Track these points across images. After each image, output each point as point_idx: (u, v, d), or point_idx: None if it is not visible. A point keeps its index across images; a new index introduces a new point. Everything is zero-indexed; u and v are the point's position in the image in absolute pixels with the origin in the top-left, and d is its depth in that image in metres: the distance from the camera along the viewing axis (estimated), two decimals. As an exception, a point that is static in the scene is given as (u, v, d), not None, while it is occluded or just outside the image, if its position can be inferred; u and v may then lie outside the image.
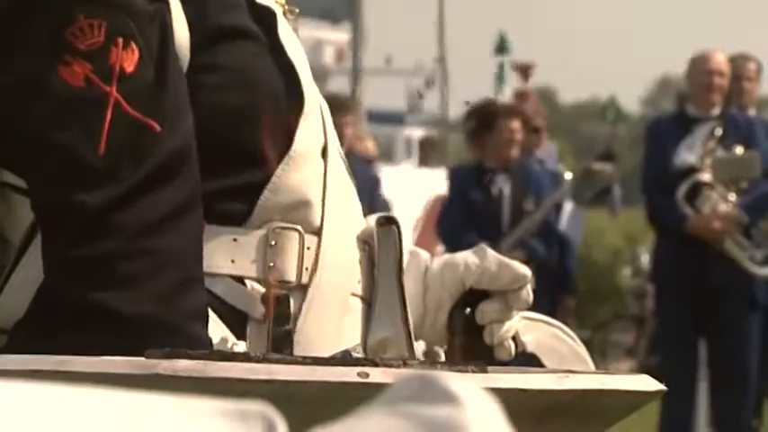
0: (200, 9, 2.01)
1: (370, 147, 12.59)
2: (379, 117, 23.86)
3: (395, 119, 25.91)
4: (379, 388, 0.81)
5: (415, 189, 13.81)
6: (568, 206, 11.42)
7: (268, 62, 2.07)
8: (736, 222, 9.41)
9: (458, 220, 10.14)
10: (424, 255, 2.28)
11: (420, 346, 2.18)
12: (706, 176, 9.43)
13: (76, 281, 1.91)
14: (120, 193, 1.91)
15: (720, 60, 9.79)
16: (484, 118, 10.66)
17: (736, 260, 9.38)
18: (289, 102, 2.07)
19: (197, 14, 2.00)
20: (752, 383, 10.07)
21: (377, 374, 1.45)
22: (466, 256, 2.24)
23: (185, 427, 0.78)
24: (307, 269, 2.04)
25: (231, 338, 1.96)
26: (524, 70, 22.14)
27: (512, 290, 2.23)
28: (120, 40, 1.93)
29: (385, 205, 10.38)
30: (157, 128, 1.93)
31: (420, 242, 11.45)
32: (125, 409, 0.79)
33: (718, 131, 9.50)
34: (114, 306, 1.88)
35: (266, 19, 2.08)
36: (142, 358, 1.44)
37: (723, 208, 9.41)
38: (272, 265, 2.02)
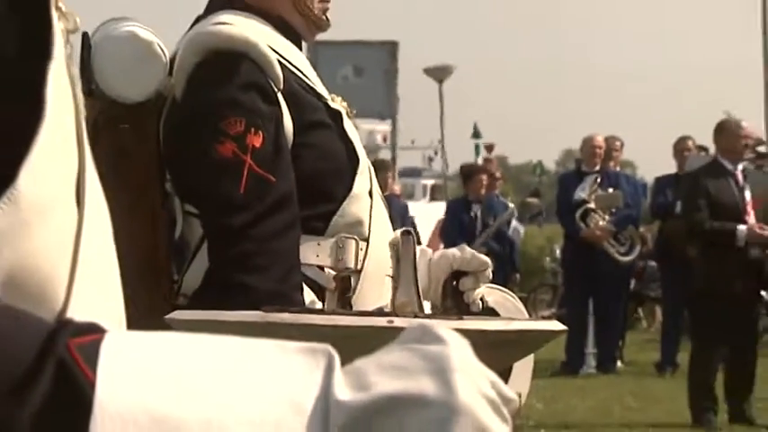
0: (299, 110, 1.97)
1: (397, 189, 12.58)
2: (406, 173, 23.94)
3: (415, 174, 26.02)
4: (400, 330, 0.78)
5: (428, 216, 13.71)
6: (514, 223, 11.43)
7: (338, 142, 2.03)
8: (609, 232, 9.41)
9: (452, 231, 10.15)
10: (429, 251, 2.24)
11: (427, 305, 2.14)
12: (591, 206, 9.44)
13: (228, 269, 1.88)
14: (252, 217, 1.88)
15: (600, 140, 9.83)
16: (468, 173, 10.75)
17: (609, 254, 9.39)
18: (350, 165, 2.03)
19: (297, 114, 1.97)
20: (619, 324, 10.09)
21: (399, 321, 1.41)
22: (453, 251, 2.21)
23: (277, 357, 0.75)
24: (360, 261, 2.00)
25: (316, 301, 1.93)
26: (489, 147, 22.20)
27: (480, 271, 2.18)
28: (252, 129, 1.90)
29: (412, 223, 10.35)
30: (273, 180, 1.90)
31: (430, 245, 11.40)
32: (242, 347, 0.76)
33: (599, 180, 9.51)
34: (252, 284, 1.85)
35: (336, 116, 2.05)
36: (261, 312, 1.39)
37: (601, 224, 9.40)
38: (340, 258, 1.98)
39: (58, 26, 0.78)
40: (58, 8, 0.79)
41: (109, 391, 0.68)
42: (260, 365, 0.73)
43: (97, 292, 0.81)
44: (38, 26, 0.75)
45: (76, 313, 0.76)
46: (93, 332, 0.72)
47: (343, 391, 0.72)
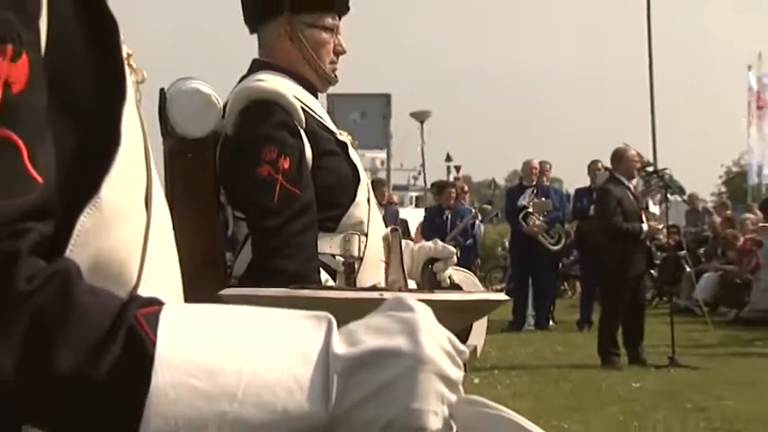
0: (316, 142, 1.94)
1: (395, 198, 12.49)
2: (398, 188, 23.85)
3: (404, 188, 25.93)
4: (390, 302, 0.75)
5: (413, 218, 13.62)
6: (478, 222, 11.37)
7: (345, 165, 2.00)
8: (543, 228, 9.40)
9: (429, 230, 10.09)
10: (412, 243, 2.22)
11: (412, 283, 2.12)
12: (530, 210, 9.43)
13: (266, 258, 1.85)
14: (283, 220, 1.85)
15: (536, 163, 9.81)
16: (440, 187, 10.68)
17: (543, 244, 9.38)
18: (354, 181, 2.00)
19: (315, 145, 1.94)
20: (550, 294, 10.09)
21: (388, 295, 1.37)
22: (430, 244, 2.18)
23: (290, 322, 0.73)
24: (362, 251, 1.97)
25: (330, 280, 1.90)
26: (458, 168, 22.14)
27: (448, 257, 2.15)
28: (283, 156, 1.88)
29: (403, 223, 10.28)
30: (299, 193, 1.87)
31: (414, 240, 11.38)
32: (265, 314, 0.74)
33: (535, 191, 9.50)
34: (283, 268, 1.82)
35: (343, 146, 2.02)
36: (288, 288, 1.36)
37: (537, 223, 9.39)
38: (347, 249, 1.96)
39: (129, 78, 0.77)
40: (129, 65, 0.79)
41: (167, 348, 0.68)
42: (278, 327, 0.72)
43: (160, 275, 0.80)
44: (114, 78, 0.75)
45: (145, 291, 0.75)
46: (155, 305, 0.71)
47: (340, 346, 0.71)
